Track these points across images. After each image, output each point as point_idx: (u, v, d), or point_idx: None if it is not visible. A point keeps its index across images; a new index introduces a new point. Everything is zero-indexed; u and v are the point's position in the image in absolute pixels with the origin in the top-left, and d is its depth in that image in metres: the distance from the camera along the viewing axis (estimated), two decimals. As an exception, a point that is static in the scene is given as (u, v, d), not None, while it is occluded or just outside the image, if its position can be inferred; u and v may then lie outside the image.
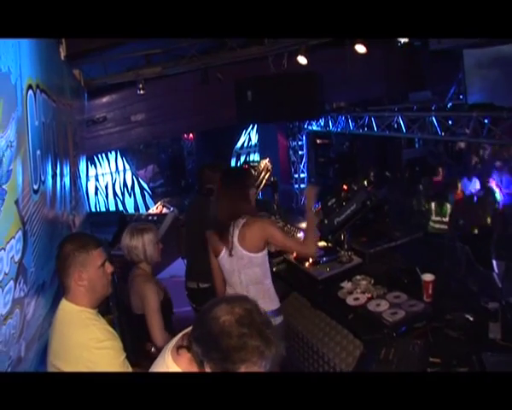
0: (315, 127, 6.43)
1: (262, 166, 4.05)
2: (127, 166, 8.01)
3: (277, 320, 2.23)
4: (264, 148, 7.53)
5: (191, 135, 9.01)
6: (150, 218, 4.15)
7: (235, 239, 2.21)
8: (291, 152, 6.93)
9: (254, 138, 8.58)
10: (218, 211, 2.25)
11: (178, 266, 3.65)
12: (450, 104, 5.55)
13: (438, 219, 4.77)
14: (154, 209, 4.55)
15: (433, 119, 4.40)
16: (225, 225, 2.23)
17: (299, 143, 6.88)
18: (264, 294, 2.25)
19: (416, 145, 6.89)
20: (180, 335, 1.14)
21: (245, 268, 2.23)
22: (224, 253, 2.27)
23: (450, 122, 4.30)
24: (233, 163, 8.73)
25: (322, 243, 3.01)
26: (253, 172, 4.04)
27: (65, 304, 1.53)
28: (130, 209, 7.81)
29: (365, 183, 2.83)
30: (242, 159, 8.68)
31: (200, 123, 6.11)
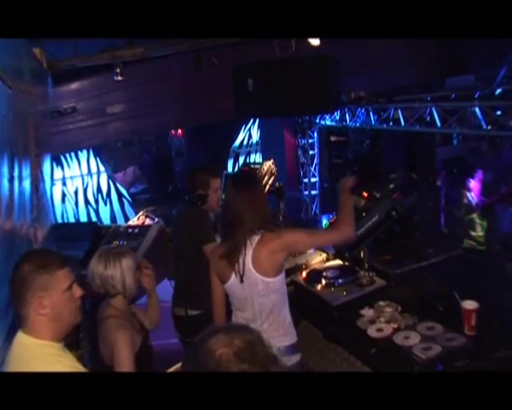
0: (329, 122, 6.46)
1: (265, 168, 4.05)
2: (102, 168, 8.04)
3: (294, 359, 2.21)
4: (267, 147, 7.56)
5: (180, 131, 9.06)
6: (130, 230, 4.11)
7: (249, 261, 2.19)
8: (300, 152, 6.97)
9: (256, 136, 8.61)
10: (245, 222, 2.17)
11: (164, 289, 3.62)
12: (498, 91, 5.42)
13: (476, 234, 4.76)
14: (134, 220, 4.52)
15: (477, 109, 4.30)
16: (236, 244, 2.19)
17: (310, 141, 6.91)
18: (280, 325, 2.23)
19: (454, 142, 6.88)
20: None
21: (259, 296, 2.22)
22: (233, 279, 2.24)
23: (498, 113, 4.21)
24: (230, 165, 8.77)
25: (337, 262, 3.02)
26: None
27: (22, 337, 1.52)
28: (106, 220, 7.82)
29: (390, 189, 2.83)
30: (241, 160, 8.71)
31: (190, 117, 6.14)
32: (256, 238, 2.17)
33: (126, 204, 8.18)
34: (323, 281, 2.82)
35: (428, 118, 4.80)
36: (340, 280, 2.81)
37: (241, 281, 2.21)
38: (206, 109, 5.96)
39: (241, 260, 2.19)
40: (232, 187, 2.25)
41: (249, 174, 2.58)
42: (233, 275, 2.24)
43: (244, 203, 2.17)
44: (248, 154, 8.77)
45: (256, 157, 8.56)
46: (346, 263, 2.93)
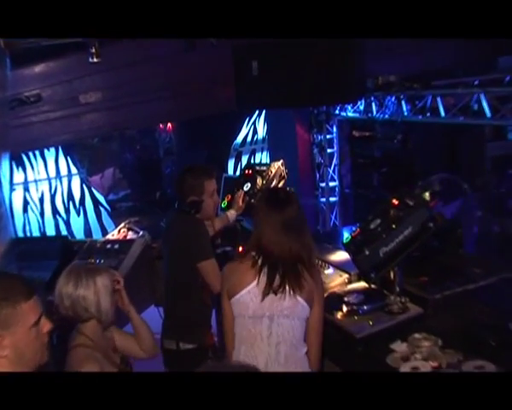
0: (351, 113, 6.46)
1: (273, 171, 4.09)
2: (74, 170, 8.07)
3: None
4: (275, 144, 7.58)
5: (170, 125, 9.10)
6: (109, 246, 4.15)
7: (288, 279, 2.38)
8: (315, 150, 6.97)
9: (262, 131, 8.63)
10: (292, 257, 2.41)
11: (151, 318, 3.63)
12: None
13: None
14: (114, 234, 4.56)
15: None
16: (273, 250, 2.40)
17: (328, 136, 6.90)
18: (297, 365, 2.36)
19: (509, 136, 6.80)
20: None
21: (282, 315, 2.36)
22: (251, 287, 2.39)
23: None
24: (231, 166, 8.79)
25: (361, 284, 3.02)
26: (261, 179, 4.11)
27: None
28: (79, 234, 7.83)
29: (427, 195, 2.84)
30: (244, 160, 8.74)
31: (182, 108, 6.15)
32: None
33: (104, 214, 8.20)
34: (345, 308, 2.83)
35: (476, 107, 4.76)
36: (365, 307, 2.82)
37: (267, 293, 2.36)
38: (201, 99, 5.97)
39: (277, 274, 2.38)
40: (275, 222, 2.42)
41: (289, 197, 2.65)
42: (254, 283, 2.38)
43: (293, 242, 2.41)
44: (253, 153, 8.79)
45: (262, 157, 8.58)
46: (373, 286, 2.94)
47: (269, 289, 2.36)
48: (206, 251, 3.10)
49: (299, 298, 2.37)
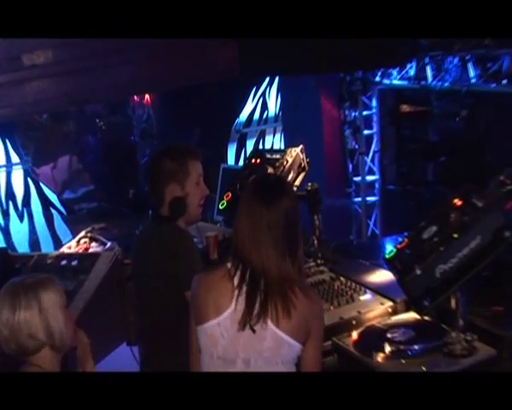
0: (397, 81, 6.52)
1: (289, 160, 4.10)
2: (15, 158, 8.14)
3: None
4: (293, 124, 7.60)
5: (148, 98, 9.12)
6: (65, 263, 4.13)
7: (271, 307, 2.35)
8: (348, 132, 7.02)
9: (274, 106, 8.64)
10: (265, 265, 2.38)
11: (123, 363, 3.69)
12: None
13: None
14: (72, 246, 4.58)
15: None
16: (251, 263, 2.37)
17: (365, 113, 6.96)
18: None
19: None
20: None
21: (261, 358, 2.34)
22: (223, 318, 2.37)
23: None
24: (231, 153, 8.82)
25: (410, 315, 3.04)
26: (272, 170, 4.11)
27: None
28: (23, 246, 7.91)
29: (502, 194, 2.84)
30: (250, 145, 8.75)
31: (165, 75, 6.19)
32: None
33: (57, 218, 8.27)
34: (388, 347, 2.79)
35: None
36: (415, 346, 2.77)
37: (242, 328, 2.34)
38: (192, 62, 6.01)
39: (256, 299, 2.34)
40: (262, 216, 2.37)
41: (281, 187, 2.63)
42: (229, 310, 2.35)
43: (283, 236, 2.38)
44: (262, 135, 8.81)
45: (274, 141, 8.59)
46: (426, 318, 2.93)
47: (245, 320, 2.33)
48: (195, 272, 3.11)
49: (284, 335, 2.34)
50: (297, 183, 4.11)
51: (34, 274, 2.56)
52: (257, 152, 4.67)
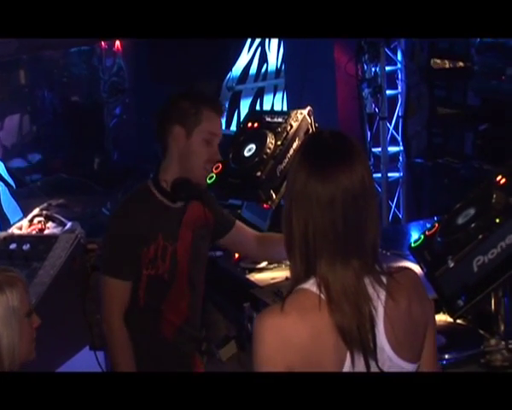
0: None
1: (294, 125, 4.12)
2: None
3: None
4: (298, 81, 7.65)
5: (118, 44, 9.08)
6: (14, 247, 4.17)
7: (381, 329, 2.11)
8: (366, 92, 6.99)
9: (275, 58, 8.63)
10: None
11: (85, 366, 3.77)
12: None
13: None
14: (24, 225, 4.61)
15: None
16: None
17: (388, 68, 6.92)
18: None
19: None
20: None
21: None
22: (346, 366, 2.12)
23: None
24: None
25: (442, 318, 3.12)
26: (273, 138, 4.07)
27: None
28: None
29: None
30: (245, 106, 8.74)
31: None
32: (383, 277, 2.11)
33: (4, 192, 8.33)
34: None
35: None
36: (446, 356, 2.92)
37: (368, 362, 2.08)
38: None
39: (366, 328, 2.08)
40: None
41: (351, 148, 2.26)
42: (347, 360, 2.08)
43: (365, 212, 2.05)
44: (260, 94, 8.81)
45: (275, 101, 8.57)
46: (460, 321, 3.05)
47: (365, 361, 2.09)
48: None
49: (402, 362, 2.14)
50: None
51: None
52: (254, 114, 4.67)
